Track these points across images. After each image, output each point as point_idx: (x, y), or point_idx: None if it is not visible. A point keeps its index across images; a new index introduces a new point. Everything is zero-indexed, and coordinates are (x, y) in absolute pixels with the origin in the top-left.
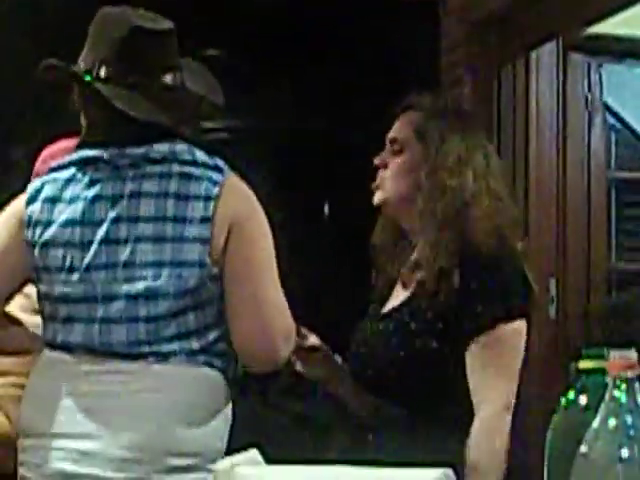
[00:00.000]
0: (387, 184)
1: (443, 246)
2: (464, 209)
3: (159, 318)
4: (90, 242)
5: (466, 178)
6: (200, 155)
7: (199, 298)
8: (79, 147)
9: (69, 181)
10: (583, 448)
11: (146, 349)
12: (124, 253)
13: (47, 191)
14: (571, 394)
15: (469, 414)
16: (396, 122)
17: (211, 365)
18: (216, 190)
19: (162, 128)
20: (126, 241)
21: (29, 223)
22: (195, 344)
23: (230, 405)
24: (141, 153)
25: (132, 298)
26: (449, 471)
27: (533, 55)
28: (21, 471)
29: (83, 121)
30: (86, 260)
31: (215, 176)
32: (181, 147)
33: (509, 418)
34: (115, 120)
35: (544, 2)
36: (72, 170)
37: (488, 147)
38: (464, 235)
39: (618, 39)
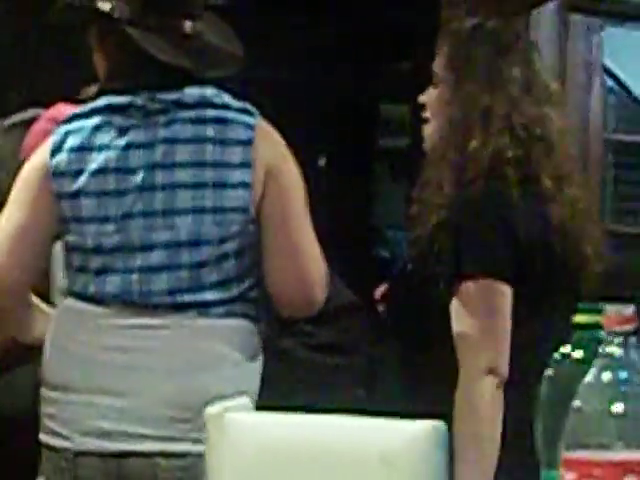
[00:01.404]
0: (428, 129)
1: (448, 199)
2: (491, 132)
3: (202, 265)
4: (125, 190)
5: (492, 100)
6: (229, 98)
7: (240, 244)
8: (102, 93)
9: (97, 128)
10: (577, 402)
11: (187, 298)
12: (162, 200)
13: (73, 140)
14: (566, 348)
15: None
16: (439, 51)
17: (247, 315)
18: (252, 134)
19: (187, 73)
20: (163, 188)
21: (55, 173)
22: (235, 291)
23: (262, 356)
24: (173, 98)
25: (173, 246)
26: (440, 424)
27: (532, 15)
28: (50, 425)
29: (102, 66)
30: (122, 209)
31: (248, 119)
32: (211, 91)
33: (493, 381)
34: (143, 64)
35: None
36: (99, 117)
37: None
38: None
39: (620, 1)
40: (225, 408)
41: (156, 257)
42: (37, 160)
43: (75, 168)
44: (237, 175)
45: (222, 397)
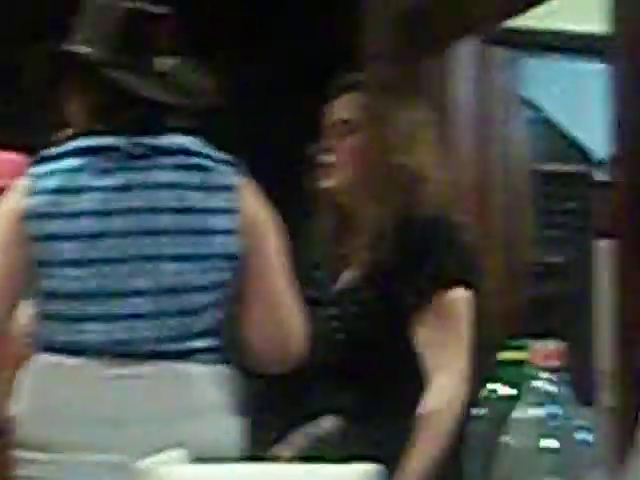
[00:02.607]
0: (339, 173)
1: (392, 225)
2: (415, 185)
3: (188, 313)
4: (106, 234)
5: (415, 155)
6: (211, 149)
7: (226, 292)
8: (79, 135)
9: (76, 170)
10: (506, 438)
11: (173, 346)
12: (144, 246)
13: (48, 182)
14: (494, 385)
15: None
16: (340, 100)
17: (227, 362)
18: (235, 182)
19: (167, 111)
20: (146, 233)
21: (29, 216)
22: (217, 340)
23: (242, 405)
24: (155, 144)
25: (158, 293)
26: (380, 467)
27: (452, 50)
28: None
29: (79, 109)
30: (103, 253)
31: (231, 169)
32: (193, 140)
33: (466, 389)
34: (122, 105)
35: None
36: (78, 159)
37: (431, 124)
38: (414, 210)
39: (537, 32)
40: (157, 462)
41: (139, 304)
42: (7, 205)
43: (52, 210)
44: (220, 221)
45: (214, 444)
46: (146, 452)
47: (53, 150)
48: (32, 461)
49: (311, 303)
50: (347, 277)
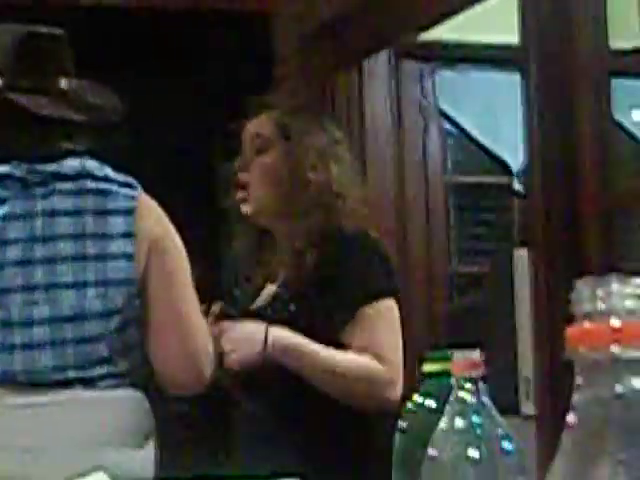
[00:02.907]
0: (256, 192)
1: (312, 241)
2: (333, 202)
3: (87, 340)
4: (3, 264)
5: (331, 172)
6: (110, 171)
7: (125, 318)
8: None
9: None
10: (431, 450)
11: (73, 374)
12: (42, 274)
13: None
14: (417, 397)
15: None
16: (254, 120)
17: (136, 386)
18: (133, 204)
19: (66, 130)
20: (43, 262)
21: None
22: (121, 366)
23: (154, 428)
24: (52, 170)
25: (56, 321)
26: None
27: (366, 63)
28: None
29: None
30: (1, 283)
31: (129, 191)
32: (91, 163)
33: (397, 390)
34: (21, 128)
35: (377, 10)
36: None
37: (341, 143)
38: (332, 227)
39: (451, 45)
40: None
41: (38, 333)
42: None
43: None
44: (119, 246)
45: (118, 467)
46: (65, 478)
47: None
48: None
49: (229, 319)
50: (267, 293)
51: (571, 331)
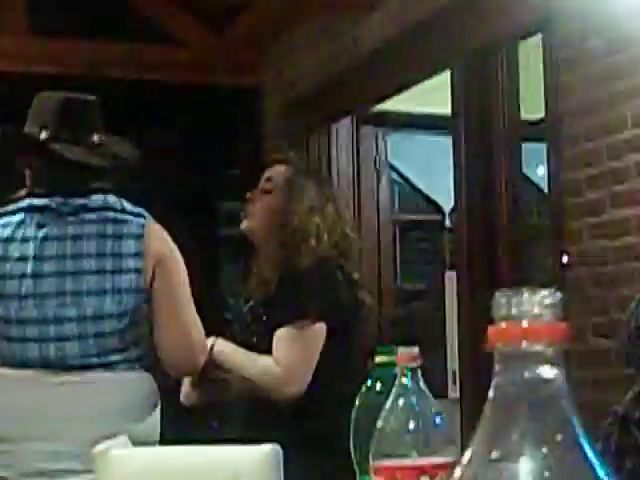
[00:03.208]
0: (255, 218)
1: (275, 272)
2: (301, 244)
3: (106, 335)
4: (41, 274)
5: (311, 224)
6: (126, 204)
7: (136, 317)
8: (27, 196)
9: (20, 224)
10: (379, 423)
11: (95, 360)
12: (71, 283)
13: (1, 232)
14: (369, 382)
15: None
16: (271, 168)
17: (146, 369)
18: (143, 231)
19: (94, 173)
20: (72, 274)
21: None
22: (133, 353)
23: (159, 401)
24: (81, 203)
25: (82, 320)
26: (277, 446)
27: (333, 127)
28: None
29: (28, 175)
30: (39, 289)
31: (140, 220)
32: (112, 198)
33: (293, 388)
34: (57, 169)
35: (340, 84)
36: (21, 215)
37: (338, 199)
38: (294, 262)
39: (399, 114)
40: (108, 446)
41: (68, 329)
42: None
43: (1, 255)
44: (131, 263)
45: (139, 433)
46: (92, 442)
47: (5, 208)
48: None
49: (225, 322)
50: (249, 305)
51: (491, 330)
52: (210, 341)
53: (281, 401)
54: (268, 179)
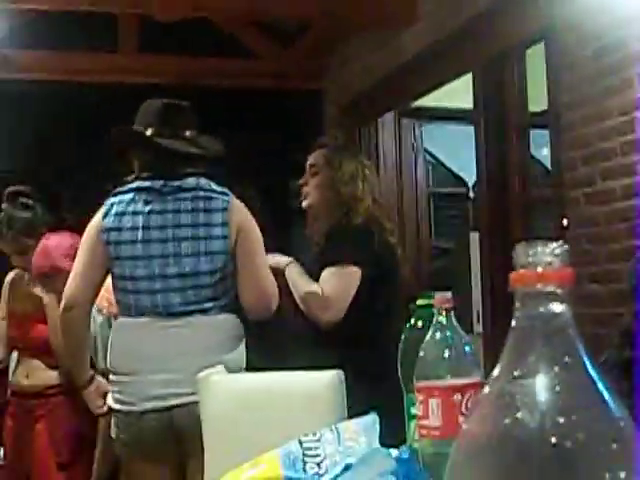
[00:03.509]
0: (310, 196)
1: (331, 228)
2: (353, 205)
3: (201, 288)
4: (148, 240)
5: (357, 186)
6: (214, 185)
7: (223, 274)
8: (135, 180)
9: (130, 202)
10: (421, 353)
11: (193, 307)
12: (172, 247)
13: (116, 208)
14: (412, 321)
15: (352, 333)
16: (312, 154)
17: (233, 312)
18: (227, 205)
19: (188, 161)
20: (173, 240)
21: (105, 229)
22: (222, 301)
23: (244, 337)
24: (177, 185)
25: (181, 276)
26: (340, 372)
27: (380, 121)
28: (119, 397)
29: (136, 165)
30: (148, 252)
31: (225, 197)
32: (203, 181)
33: (331, 315)
34: (159, 158)
35: (385, 86)
36: (131, 195)
37: (369, 168)
38: (346, 220)
39: (432, 108)
40: (208, 373)
41: (171, 283)
42: (94, 222)
43: (117, 226)
44: (219, 231)
45: (223, 362)
46: (196, 371)
47: (120, 189)
48: (121, 382)
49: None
50: (313, 251)
51: (513, 275)
52: (286, 260)
53: (322, 324)
54: (311, 165)
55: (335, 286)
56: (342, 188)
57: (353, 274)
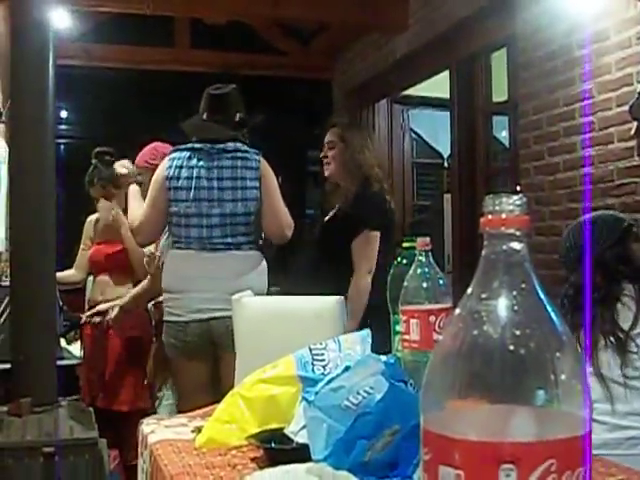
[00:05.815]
0: (330, 166)
1: (350, 195)
2: (364, 171)
3: (237, 224)
4: (198, 188)
5: (366, 155)
6: (249, 148)
7: (254, 215)
8: (189, 142)
9: (187, 158)
10: (405, 283)
11: (230, 240)
12: (216, 194)
13: (176, 162)
14: (399, 259)
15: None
16: (328, 133)
17: (257, 249)
18: (258, 164)
19: (232, 131)
20: (217, 189)
21: (167, 178)
22: (252, 237)
23: (266, 268)
24: (221, 147)
25: (223, 216)
26: (341, 297)
27: (376, 105)
28: (171, 311)
29: (188, 131)
30: (197, 196)
31: (257, 157)
32: (240, 144)
33: (370, 277)
34: (210, 130)
35: (381, 79)
36: (187, 152)
37: (372, 139)
38: (363, 187)
39: (417, 97)
40: (240, 295)
41: (214, 221)
42: (160, 171)
43: (177, 176)
44: (252, 183)
45: (252, 283)
46: (229, 292)
47: (179, 147)
48: (173, 298)
49: (303, 224)
50: (330, 215)
51: (482, 220)
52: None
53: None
54: (328, 142)
55: (366, 254)
56: (355, 155)
57: (376, 237)
